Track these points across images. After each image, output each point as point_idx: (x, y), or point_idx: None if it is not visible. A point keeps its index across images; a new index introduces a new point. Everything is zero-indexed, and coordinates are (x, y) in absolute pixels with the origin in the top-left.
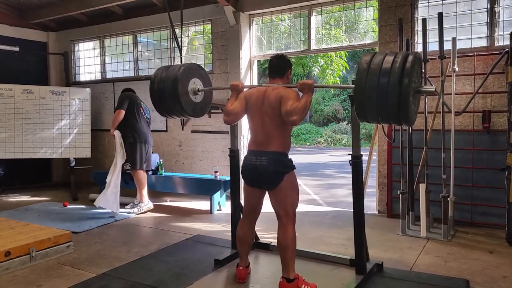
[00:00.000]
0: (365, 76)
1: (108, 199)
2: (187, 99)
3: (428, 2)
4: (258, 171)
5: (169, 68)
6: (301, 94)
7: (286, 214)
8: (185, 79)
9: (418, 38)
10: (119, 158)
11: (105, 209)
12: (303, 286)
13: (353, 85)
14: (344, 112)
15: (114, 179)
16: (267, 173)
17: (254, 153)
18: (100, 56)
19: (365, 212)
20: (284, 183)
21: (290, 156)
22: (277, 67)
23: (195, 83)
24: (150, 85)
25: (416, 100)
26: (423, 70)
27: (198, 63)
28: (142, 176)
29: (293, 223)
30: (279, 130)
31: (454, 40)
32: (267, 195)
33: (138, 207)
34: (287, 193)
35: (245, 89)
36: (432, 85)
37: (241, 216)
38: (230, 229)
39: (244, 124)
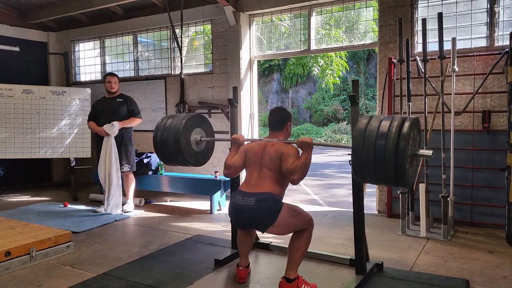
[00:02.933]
0: (361, 143)
1: (117, 203)
2: (189, 151)
3: (428, 2)
4: (245, 213)
5: (172, 120)
6: (300, 150)
7: (299, 230)
8: (188, 131)
9: (418, 38)
10: (116, 158)
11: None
12: (303, 286)
13: (351, 146)
14: (344, 112)
15: (118, 180)
16: (255, 215)
17: (242, 194)
18: (100, 56)
19: (365, 212)
20: (279, 220)
21: None
22: (276, 121)
23: (197, 133)
24: (153, 135)
25: (414, 163)
26: (421, 133)
27: (198, 63)
28: (133, 177)
29: (310, 229)
30: (274, 180)
31: (454, 40)
32: None
33: (132, 205)
34: (289, 225)
35: (245, 142)
36: (432, 85)
37: None
38: (230, 229)
39: (244, 123)
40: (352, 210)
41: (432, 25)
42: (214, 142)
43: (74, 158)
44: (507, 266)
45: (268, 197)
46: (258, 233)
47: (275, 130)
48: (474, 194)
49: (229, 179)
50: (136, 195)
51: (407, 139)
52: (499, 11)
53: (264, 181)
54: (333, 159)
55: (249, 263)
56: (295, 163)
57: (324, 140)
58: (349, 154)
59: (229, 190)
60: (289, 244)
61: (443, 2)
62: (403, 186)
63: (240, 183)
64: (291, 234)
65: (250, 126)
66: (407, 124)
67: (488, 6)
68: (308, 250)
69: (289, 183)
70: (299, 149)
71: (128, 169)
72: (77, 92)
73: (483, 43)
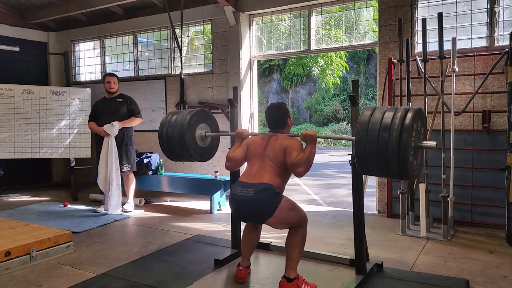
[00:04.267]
0: (364, 136)
1: (117, 203)
2: (195, 147)
3: (428, 2)
4: (244, 204)
5: (177, 116)
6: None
7: (295, 226)
8: (192, 127)
9: (418, 38)
10: (116, 158)
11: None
12: (303, 286)
13: (354, 138)
14: (344, 112)
15: (117, 179)
16: (254, 205)
17: (241, 184)
18: (100, 56)
19: (365, 212)
20: (278, 212)
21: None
22: (277, 121)
23: (202, 128)
24: (159, 132)
25: (418, 156)
26: (425, 125)
27: (198, 63)
28: (133, 177)
29: (305, 226)
30: (275, 173)
31: (454, 40)
32: None
33: (132, 205)
34: (286, 218)
35: (249, 136)
36: (432, 85)
37: None
38: (230, 229)
39: (244, 123)
40: (352, 210)
41: (432, 25)
42: (219, 137)
43: (74, 158)
44: (507, 266)
45: (268, 187)
46: None
47: (276, 129)
48: (474, 194)
49: (229, 179)
50: (136, 195)
51: (410, 131)
52: (499, 11)
53: (265, 171)
54: (333, 159)
55: (250, 264)
56: (299, 156)
57: (325, 140)
58: (349, 154)
59: (229, 190)
60: (286, 242)
61: (443, 2)
62: (407, 179)
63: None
64: (286, 234)
65: (250, 126)
66: (410, 115)
67: (488, 6)
68: (308, 250)
69: (290, 177)
70: (302, 142)
71: (129, 169)
72: (77, 92)
73: (483, 43)
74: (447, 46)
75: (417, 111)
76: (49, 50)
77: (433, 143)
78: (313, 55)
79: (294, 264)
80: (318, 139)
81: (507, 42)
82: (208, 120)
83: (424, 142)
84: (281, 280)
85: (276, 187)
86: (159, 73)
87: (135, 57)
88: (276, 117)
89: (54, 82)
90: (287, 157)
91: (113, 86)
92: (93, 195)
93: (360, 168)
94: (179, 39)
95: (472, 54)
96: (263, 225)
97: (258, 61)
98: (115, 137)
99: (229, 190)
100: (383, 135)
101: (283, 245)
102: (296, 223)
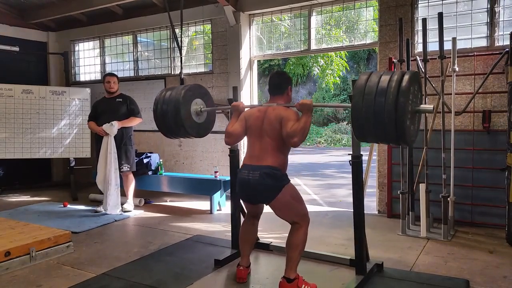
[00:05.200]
0: (361, 101)
1: (116, 203)
2: (190, 122)
3: (428, 2)
4: (250, 187)
5: (171, 92)
6: (300, 113)
7: (296, 222)
8: (187, 102)
9: (418, 38)
10: (115, 158)
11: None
12: (303, 286)
13: (350, 105)
14: (344, 112)
15: (116, 179)
16: (259, 188)
17: (247, 168)
18: (100, 56)
19: (365, 212)
20: (281, 195)
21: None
22: (277, 85)
23: (197, 104)
24: (153, 108)
25: (415, 120)
26: (422, 89)
27: (198, 63)
28: (132, 177)
29: (306, 226)
30: (276, 149)
31: (454, 40)
32: None
33: (131, 205)
34: (288, 205)
35: (246, 109)
36: (432, 85)
37: (241, 216)
38: (230, 229)
39: None
40: (352, 210)
41: (433, 25)
42: (215, 113)
43: (73, 158)
44: (507, 266)
45: (272, 171)
46: (259, 233)
47: (275, 94)
48: (474, 194)
49: (229, 179)
50: (136, 195)
51: (407, 94)
52: (499, 11)
53: (266, 152)
54: (333, 159)
55: (250, 263)
56: (294, 126)
57: (325, 140)
58: (349, 154)
59: (229, 190)
60: (287, 242)
61: (443, 2)
62: (404, 143)
63: (242, 157)
64: (287, 234)
65: None
66: (406, 77)
67: (488, 6)
68: (308, 250)
69: (290, 178)
70: (299, 112)
71: (128, 169)
72: (77, 92)
73: (483, 43)
74: (448, 46)
75: (414, 74)
76: (49, 50)
77: (430, 107)
78: (313, 55)
79: (294, 265)
80: (319, 138)
81: (507, 42)
82: (204, 96)
83: (422, 106)
84: (281, 280)
85: (280, 168)
86: (159, 73)
87: (135, 57)
88: (277, 81)
89: (54, 82)
90: (283, 128)
91: (113, 86)
92: (92, 195)
93: (357, 134)
94: (179, 39)
95: (472, 54)
96: (263, 224)
97: (258, 61)
98: (114, 137)
99: (229, 190)
100: (379, 99)
101: (283, 245)
102: (298, 217)
